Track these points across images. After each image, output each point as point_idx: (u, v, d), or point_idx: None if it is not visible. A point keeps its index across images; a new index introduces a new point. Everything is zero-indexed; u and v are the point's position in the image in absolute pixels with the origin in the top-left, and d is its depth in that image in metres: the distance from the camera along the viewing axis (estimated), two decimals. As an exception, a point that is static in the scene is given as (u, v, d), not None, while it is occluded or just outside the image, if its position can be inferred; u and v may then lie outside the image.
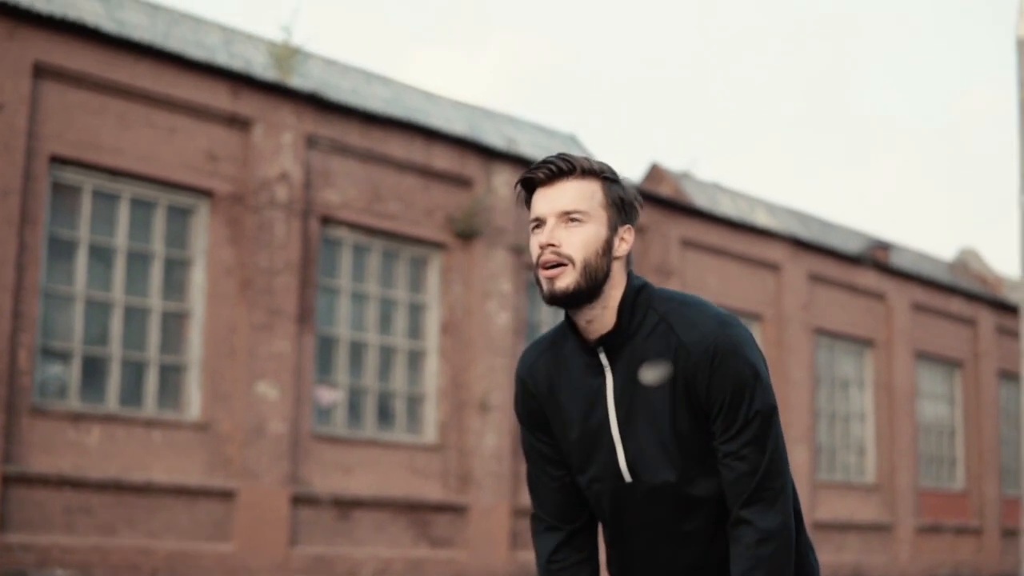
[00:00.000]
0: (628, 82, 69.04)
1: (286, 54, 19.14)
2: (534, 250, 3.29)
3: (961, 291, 31.37)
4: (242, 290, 17.45)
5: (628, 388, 3.33)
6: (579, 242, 3.24)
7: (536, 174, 3.30)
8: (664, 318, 3.32)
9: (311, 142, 18.37)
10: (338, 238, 18.94)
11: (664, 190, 27.35)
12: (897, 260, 30.99)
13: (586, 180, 3.29)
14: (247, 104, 17.69)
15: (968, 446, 31.15)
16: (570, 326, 3.41)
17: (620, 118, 64.59)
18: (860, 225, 33.23)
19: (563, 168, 3.29)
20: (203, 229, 17.39)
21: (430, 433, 19.77)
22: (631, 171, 24.01)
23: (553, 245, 3.24)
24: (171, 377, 17.12)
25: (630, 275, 3.37)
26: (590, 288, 3.26)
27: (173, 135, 17.07)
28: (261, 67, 19.32)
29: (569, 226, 3.25)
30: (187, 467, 16.77)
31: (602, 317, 3.32)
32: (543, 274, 3.26)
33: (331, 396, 18.75)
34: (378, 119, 19.15)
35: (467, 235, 20.09)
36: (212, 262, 17.33)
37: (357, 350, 19.22)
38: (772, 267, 25.97)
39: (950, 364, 31.03)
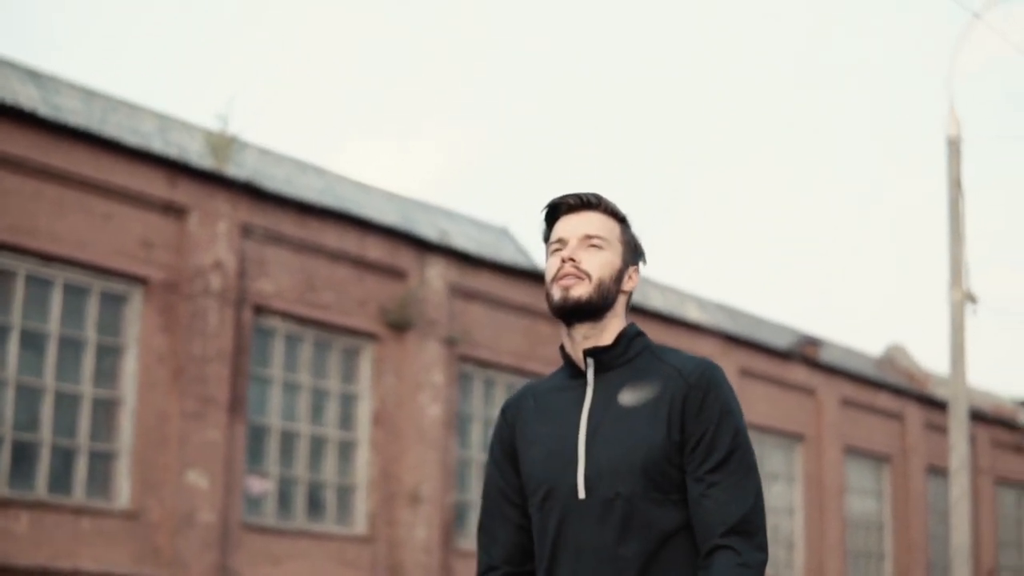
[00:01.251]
0: (558, 177, 69.86)
1: (222, 143, 19.39)
2: (552, 266, 3.57)
3: (889, 387, 31.90)
4: (174, 378, 17.57)
5: (605, 406, 3.52)
6: (597, 263, 3.53)
7: (566, 200, 3.61)
8: (658, 356, 3.57)
9: (246, 231, 18.59)
10: (271, 327, 19.12)
11: (596, 284, 27.72)
12: (826, 356, 31.47)
13: (608, 216, 3.61)
14: (183, 192, 17.90)
15: (896, 541, 31.53)
16: (563, 355, 3.63)
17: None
18: (789, 320, 33.69)
19: (591, 201, 3.61)
20: (136, 316, 17.52)
21: (360, 524, 19.87)
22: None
23: (574, 260, 3.52)
24: (101, 464, 17.16)
25: (630, 324, 3.63)
26: (599, 305, 3.52)
27: (108, 221, 17.25)
28: (196, 155, 19.57)
29: (590, 249, 3.54)
30: (116, 556, 16.77)
31: (599, 338, 3.56)
32: (560, 284, 3.53)
33: (261, 486, 18.84)
34: (313, 209, 19.42)
35: (400, 326, 20.33)
36: (144, 350, 17.45)
37: (288, 440, 19.35)
38: (702, 361, 26.31)
39: (878, 459, 31.47)
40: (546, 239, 3.66)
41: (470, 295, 21.66)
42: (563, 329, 3.63)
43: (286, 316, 19.20)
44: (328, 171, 24.39)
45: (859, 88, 72.01)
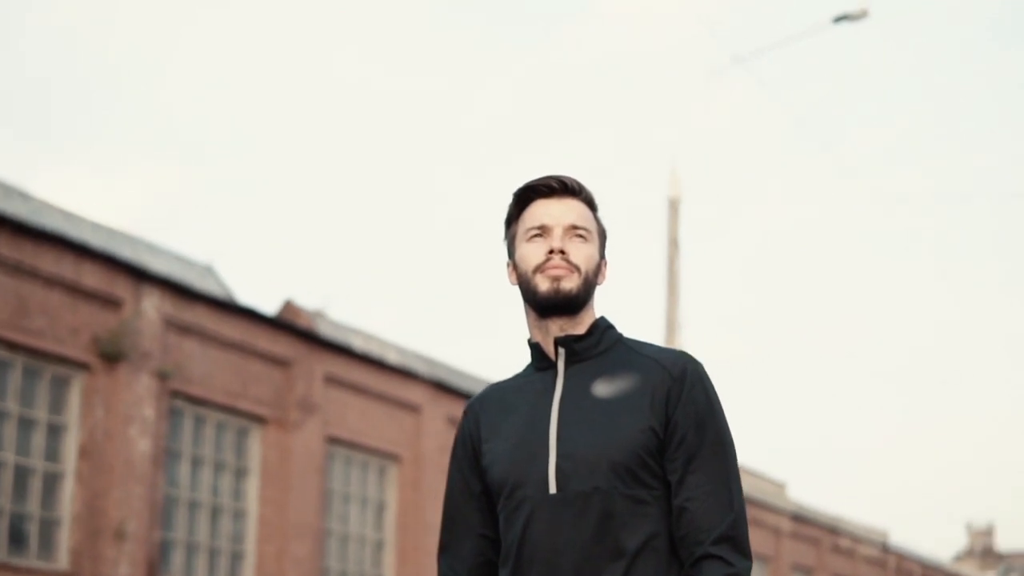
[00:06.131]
0: (262, 219, 70.26)
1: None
2: (536, 255, 3.51)
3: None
4: None
5: (578, 396, 3.46)
6: (584, 256, 3.50)
7: (548, 183, 3.56)
8: (633, 348, 3.54)
9: (-41, 250, 18.68)
10: (-20, 351, 19.21)
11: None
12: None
13: (585, 205, 3.58)
14: None
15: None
16: (532, 348, 3.59)
17: (253, 254, 65.54)
18: (489, 375, 34.90)
19: (573, 187, 3.56)
20: None
21: (63, 559, 19.99)
22: (265, 306, 25.01)
23: (564, 252, 3.47)
24: None
25: (601, 316, 3.60)
26: (583, 299, 3.50)
27: None
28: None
29: (575, 240, 3.51)
30: None
31: (573, 330, 3.52)
32: (549, 274, 3.47)
33: (-38, 516, 18.86)
34: (29, 231, 19.56)
35: (113, 357, 20.60)
36: None
37: (-8, 469, 19.42)
38: (412, 408, 27.26)
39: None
40: (510, 221, 3.63)
41: (184, 329, 22.09)
42: (531, 319, 3.59)
43: (-4, 341, 19.32)
44: (33, 197, 24.44)
45: (587, 144, 74.50)
